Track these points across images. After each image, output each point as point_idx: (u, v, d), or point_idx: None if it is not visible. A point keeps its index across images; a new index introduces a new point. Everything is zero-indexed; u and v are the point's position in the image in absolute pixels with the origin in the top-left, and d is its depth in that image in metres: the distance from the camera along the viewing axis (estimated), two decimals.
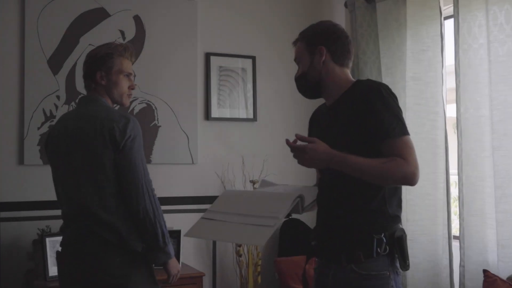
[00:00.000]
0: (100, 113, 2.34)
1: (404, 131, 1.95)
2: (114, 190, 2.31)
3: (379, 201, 2.00)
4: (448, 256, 3.28)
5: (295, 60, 2.25)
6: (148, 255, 2.34)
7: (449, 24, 3.45)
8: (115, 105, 2.49)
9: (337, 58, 2.14)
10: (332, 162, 1.95)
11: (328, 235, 2.11)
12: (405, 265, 1.99)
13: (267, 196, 2.16)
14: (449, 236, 3.29)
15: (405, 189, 3.42)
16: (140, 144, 2.34)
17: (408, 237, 3.28)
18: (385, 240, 1.96)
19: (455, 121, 3.21)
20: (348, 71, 2.17)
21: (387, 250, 1.96)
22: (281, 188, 2.28)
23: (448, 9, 3.45)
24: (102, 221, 2.29)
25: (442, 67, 3.35)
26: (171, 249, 2.37)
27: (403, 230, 2.02)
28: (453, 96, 3.23)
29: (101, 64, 2.41)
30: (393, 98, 2.00)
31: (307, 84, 2.18)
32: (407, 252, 2.00)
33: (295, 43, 2.26)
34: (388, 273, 1.97)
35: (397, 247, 1.98)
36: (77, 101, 2.55)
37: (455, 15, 3.16)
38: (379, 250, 1.95)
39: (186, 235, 2.15)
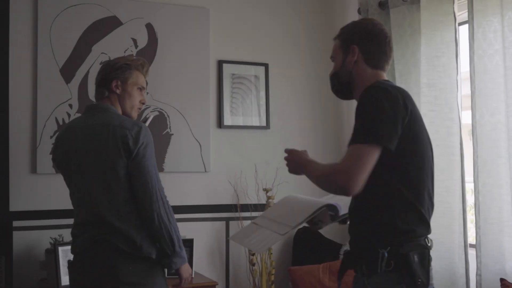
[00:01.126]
0: (112, 121, 2.38)
1: (362, 138, 1.86)
2: (127, 198, 2.35)
3: (387, 214, 1.93)
4: (464, 265, 3.26)
5: (331, 57, 2.21)
6: (164, 260, 2.38)
7: (463, 30, 3.44)
8: None
9: (370, 59, 2.08)
10: (301, 169, 2.04)
11: (350, 245, 2.10)
12: (414, 284, 1.86)
13: (298, 203, 2.20)
14: (465, 245, 3.27)
15: None
16: (152, 152, 2.38)
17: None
18: (386, 255, 1.88)
19: (471, 127, 3.19)
20: (383, 74, 2.10)
21: (392, 266, 1.87)
22: (324, 198, 2.26)
23: (462, 15, 3.45)
24: (115, 229, 2.31)
25: (457, 73, 3.34)
26: (185, 253, 2.42)
27: (417, 246, 1.91)
28: (468, 102, 3.22)
29: (119, 73, 2.48)
30: (384, 99, 1.89)
31: (338, 83, 2.15)
32: (416, 270, 1.87)
33: (334, 38, 2.20)
34: None
35: (403, 264, 1.87)
36: (85, 108, 2.56)
37: (469, 21, 3.16)
38: (383, 265, 1.87)
39: (231, 238, 2.33)
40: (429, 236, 2.00)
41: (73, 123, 2.57)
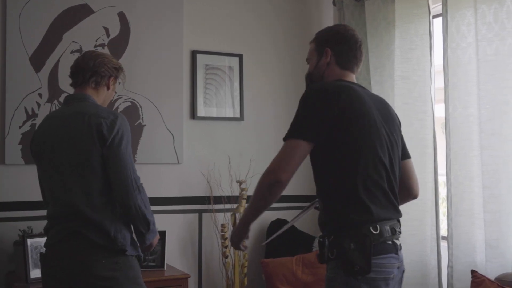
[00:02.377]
0: (89, 110, 2.39)
1: (290, 134, 2.07)
2: (101, 188, 2.34)
3: (330, 204, 2.10)
4: (436, 257, 3.32)
5: (306, 60, 2.36)
6: (139, 238, 2.42)
7: (437, 23, 3.49)
8: None
9: (341, 61, 2.24)
10: (239, 229, 2.27)
11: None
12: (352, 271, 1.97)
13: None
14: (438, 237, 3.33)
15: None
16: (128, 141, 2.39)
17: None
18: (327, 244, 2.04)
19: (444, 120, 3.24)
20: (351, 74, 2.26)
21: (334, 254, 2.02)
22: None
23: (436, 8, 3.50)
24: (89, 221, 2.30)
25: (430, 66, 3.39)
26: (156, 229, 2.49)
27: (355, 234, 2.00)
28: (442, 95, 3.27)
29: (118, 73, 2.59)
30: (314, 98, 2.09)
31: (311, 83, 2.29)
32: (352, 257, 1.98)
33: (310, 42, 2.35)
34: (334, 276, 2.03)
35: (338, 252, 2.01)
36: (63, 99, 2.58)
37: (443, 14, 3.21)
38: (329, 254, 2.04)
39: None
40: (386, 223, 2.07)
41: (51, 113, 2.59)
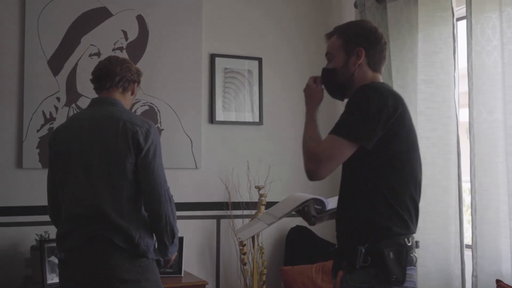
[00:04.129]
0: (122, 115, 2.45)
1: (341, 132, 2.00)
2: (130, 194, 2.40)
3: (366, 211, 2.04)
4: (460, 266, 3.29)
5: (327, 54, 2.24)
6: (162, 249, 2.47)
7: (461, 26, 3.47)
8: None
9: (373, 63, 2.16)
10: (306, 111, 2.21)
11: (337, 242, 2.20)
12: (389, 280, 1.97)
13: (293, 199, 2.35)
14: (462, 245, 3.30)
15: None
16: (160, 152, 2.48)
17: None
18: (363, 251, 1.99)
19: (468, 125, 3.23)
20: (380, 77, 2.20)
21: (368, 262, 1.99)
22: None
23: (460, 10, 3.48)
24: (114, 225, 2.35)
25: (454, 69, 3.37)
26: (177, 242, 2.55)
27: (393, 244, 2.00)
28: (466, 100, 3.25)
29: (138, 78, 2.65)
30: (373, 98, 2.00)
31: (335, 81, 2.20)
32: (391, 267, 1.97)
33: (328, 36, 2.24)
34: (367, 285, 1.99)
35: (378, 260, 1.98)
36: (90, 102, 2.64)
37: (468, 16, 3.19)
38: (361, 262, 1.99)
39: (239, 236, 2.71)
40: (414, 236, 2.08)
41: (78, 115, 2.65)
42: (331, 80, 2.21)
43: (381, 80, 2.20)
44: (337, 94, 2.26)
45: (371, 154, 2.01)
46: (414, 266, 2.07)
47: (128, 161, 2.38)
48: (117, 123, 2.41)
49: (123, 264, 2.35)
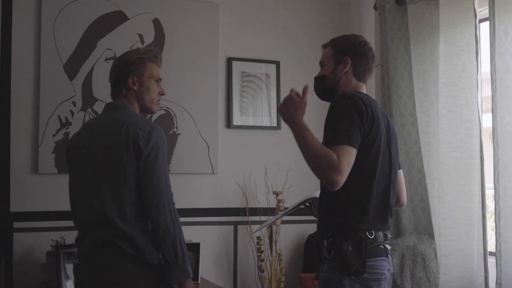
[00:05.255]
0: (127, 119, 2.41)
1: (342, 140, 2.17)
2: (134, 200, 2.36)
3: (333, 206, 2.30)
4: (483, 273, 3.25)
5: (320, 62, 2.54)
6: (166, 272, 2.36)
7: (484, 27, 3.43)
8: (142, 114, 2.58)
9: (358, 72, 2.44)
10: (294, 123, 2.27)
11: None
12: (348, 271, 2.20)
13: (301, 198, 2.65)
14: (485, 252, 3.26)
15: (438, 202, 3.41)
16: (164, 156, 2.41)
17: (441, 253, 3.29)
18: (325, 244, 2.28)
19: (491, 130, 3.18)
20: (364, 86, 2.46)
21: (332, 254, 2.24)
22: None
23: (483, 11, 3.44)
24: (120, 231, 2.33)
25: (477, 72, 3.34)
26: (189, 267, 2.39)
27: (353, 238, 2.22)
28: (488, 105, 3.21)
29: (134, 69, 2.50)
30: (351, 106, 2.22)
31: (323, 86, 2.49)
32: (349, 258, 2.20)
33: (324, 46, 2.55)
34: (330, 275, 2.24)
35: (337, 253, 2.23)
36: (104, 107, 2.60)
37: (490, 17, 3.16)
38: (326, 254, 2.27)
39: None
40: (383, 230, 2.32)
41: (90, 121, 2.64)
42: (321, 86, 2.49)
43: (364, 90, 2.45)
44: (326, 97, 2.52)
45: None
46: (385, 256, 2.31)
47: (129, 165, 2.34)
48: (120, 127, 2.38)
49: (131, 271, 2.32)
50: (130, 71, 2.50)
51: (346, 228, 2.26)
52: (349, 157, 2.15)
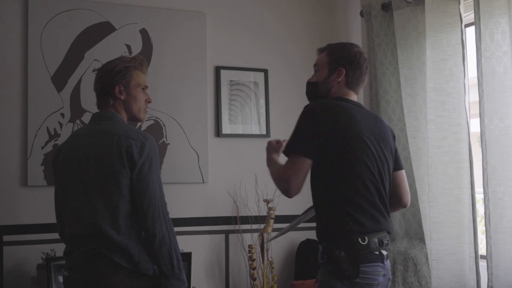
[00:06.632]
0: (117, 129, 2.39)
1: (289, 149, 2.37)
2: (127, 211, 2.34)
3: (324, 213, 2.39)
4: (475, 277, 3.26)
5: (314, 65, 2.61)
6: (162, 282, 2.35)
7: (470, 32, 3.46)
8: (130, 122, 2.56)
9: (350, 82, 2.52)
10: (268, 162, 2.55)
11: None
12: (341, 276, 2.26)
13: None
14: (476, 255, 3.27)
15: (428, 206, 3.42)
16: (157, 166, 2.40)
17: (432, 257, 3.29)
18: (320, 250, 2.34)
19: (479, 135, 3.20)
20: (352, 93, 2.54)
21: (325, 259, 2.31)
22: None
23: (468, 16, 3.47)
24: (113, 243, 2.30)
25: (464, 76, 3.36)
26: (184, 276, 2.40)
27: (346, 244, 2.28)
28: (476, 109, 3.23)
29: (120, 78, 2.48)
30: (310, 116, 2.35)
31: (315, 93, 2.56)
32: (342, 264, 2.26)
33: (320, 51, 2.61)
34: (323, 279, 2.32)
35: (330, 259, 2.29)
36: (91, 117, 2.57)
37: (476, 22, 3.18)
38: (320, 259, 2.34)
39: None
40: (377, 234, 2.34)
41: (78, 130, 2.57)
42: (312, 92, 2.58)
43: (353, 97, 2.53)
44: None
45: (318, 165, 2.35)
46: (380, 262, 2.33)
47: (122, 176, 2.32)
48: (112, 138, 2.35)
49: (124, 283, 2.30)
50: (116, 80, 2.47)
51: (338, 234, 2.32)
52: (294, 166, 2.31)
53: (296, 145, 2.35)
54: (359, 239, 2.29)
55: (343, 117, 2.38)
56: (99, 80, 2.52)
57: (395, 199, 2.59)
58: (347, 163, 2.34)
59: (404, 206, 2.64)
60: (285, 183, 2.30)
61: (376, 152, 2.40)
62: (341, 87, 2.51)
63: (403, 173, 2.61)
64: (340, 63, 2.50)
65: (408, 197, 2.63)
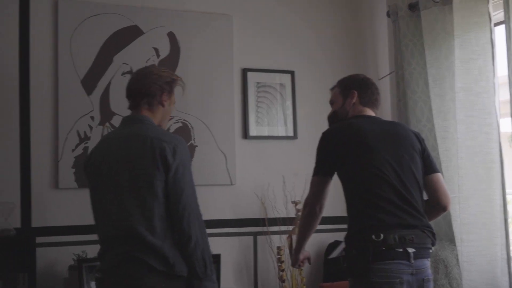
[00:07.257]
0: (149, 132, 2.41)
1: (314, 172, 2.70)
2: (162, 213, 2.35)
3: (348, 216, 2.60)
4: (508, 279, 3.22)
5: (330, 101, 2.92)
6: (195, 283, 2.36)
7: (500, 31, 3.42)
8: None
9: (364, 102, 2.78)
10: (295, 251, 2.87)
11: None
12: (352, 273, 2.48)
13: None
14: (508, 257, 3.23)
15: (459, 207, 3.39)
16: (190, 168, 2.43)
17: (463, 259, 3.27)
18: (342, 249, 2.67)
19: (510, 134, 3.17)
20: (369, 110, 2.79)
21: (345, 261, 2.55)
22: None
23: (498, 15, 3.43)
24: (148, 245, 2.31)
25: (493, 76, 3.33)
26: (215, 277, 2.42)
27: (360, 243, 2.44)
28: (507, 109, 3.19)
29: (168, 87, 2.56)
30: (322, 142, 2.70)
31: (337, 119, 2.81)
32: (353, 261, 2.47)
33: (332, 88, 2.92)
34: (346, 276, 2.55)
35: (346, 256, 2.55)
36: (121, 121, 2.61)
37: (506, 21, 3.15)
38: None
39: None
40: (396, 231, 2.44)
41: (108, 134, 2.64)
42: (334, 121, 2.84)
43: (369, 113, 2.78)
44: None
45: (340, 177, 2.65)
46: (406, 260, 2.38)
47: (156, 179, 2.33)
48: (144, 140, 2.37)
49: (159, 285, 2.31)
50: (165, 88, 2.54)
51: (353, 232, 2.53)
52: (313, 186, 2.68)
53: (317, 167, 2.69)
54: (373, 236, 2.39)
55: (349, 131, 2.65)
56: (140, 81, 2.54)
57: (433, 203, 2.66)
58: (360, 172, 2.55)
59: (444, 209, 2.67)
60: (307, 206, 2.70)
61: (392, 157, 2.56)
62: (357, 107, 2.77)
63: (437, 176, 2.68)
64: (351, 87, 2.79)
65: (447, 200, 2.66)
